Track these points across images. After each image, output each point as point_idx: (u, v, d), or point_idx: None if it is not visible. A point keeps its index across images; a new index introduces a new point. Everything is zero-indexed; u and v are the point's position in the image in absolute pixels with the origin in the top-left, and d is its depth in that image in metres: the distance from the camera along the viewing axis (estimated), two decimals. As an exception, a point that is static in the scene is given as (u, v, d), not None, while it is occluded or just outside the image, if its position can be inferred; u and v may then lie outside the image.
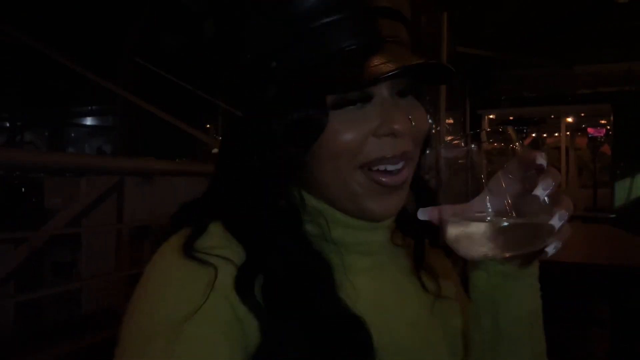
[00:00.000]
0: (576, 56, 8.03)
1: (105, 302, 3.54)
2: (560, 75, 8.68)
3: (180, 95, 7.01)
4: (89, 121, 18.93)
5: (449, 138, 0.55)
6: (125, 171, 3.72)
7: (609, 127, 9.09)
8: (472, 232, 0.51)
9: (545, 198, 0.49)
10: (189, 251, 0.53)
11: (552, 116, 10.17)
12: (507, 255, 0.52)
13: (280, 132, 0.56)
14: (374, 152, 0.56)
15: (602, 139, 9.64)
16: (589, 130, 9.87)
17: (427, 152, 0.66)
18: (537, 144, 10.93)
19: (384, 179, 0.57)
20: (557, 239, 0.51)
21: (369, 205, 0.58)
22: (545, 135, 11.45)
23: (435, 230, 0.55)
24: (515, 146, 0.52)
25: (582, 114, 9.94)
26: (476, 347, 0.64)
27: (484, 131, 0.53)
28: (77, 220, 3.73)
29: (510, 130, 0.53)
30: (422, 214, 0.56)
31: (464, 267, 0.64)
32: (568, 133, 10.17)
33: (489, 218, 0.50)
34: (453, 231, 0.52)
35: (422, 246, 0.70)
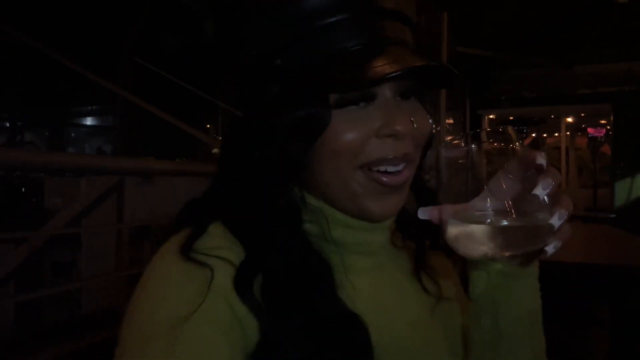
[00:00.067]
0: (576, 56, 8.03)
1: (105, 302, 3.54)
2: (560, 75, 8.68)
3: (180, 95, 7.01)
4: (89, 121, 18.94)
5: (449, 138, 0.55)
6: (125, 171, 3.72)
7: (609, 127, 9.09)
8: (472, 232, 0.51)
9: (545, 197, 0.49)
10: (188, 252, 0.53)
11: (552, 116, 10.17)
12: (507, 254, 0.52)
13: (282, 130, 0.56)
14: (375, 153, 0.56)
15: (602, 139, 9.65)
16: (589, 130, 9.87)
17: (428, 153, 0.66)
18: (537, 144, 10.93)
19: (384, 179, 0.57)
20: (557, 238, 0.51)
21: (369, 205, 0.58)
22: (545, 135, 11.46)
23: (436, 232, 0.55)
24: (515, 146, 0.52)
25: (582, 114, 9.93)
26: (476, 347, 0.64)
27: (484, 131, 0.53)
28: (77, 220, 3.73)
29: (510, 130, 0.53)
30: (423, 213, 0.56)
31: (464, 267, 0.64)
32: (568, 133, 10.17)
33: (489, 218, 0.50)
34: (453, 230, 0.52)
35: (423, 248, 0.70)
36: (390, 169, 0.57)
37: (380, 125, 0.56)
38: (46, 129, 18.24)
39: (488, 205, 0.50)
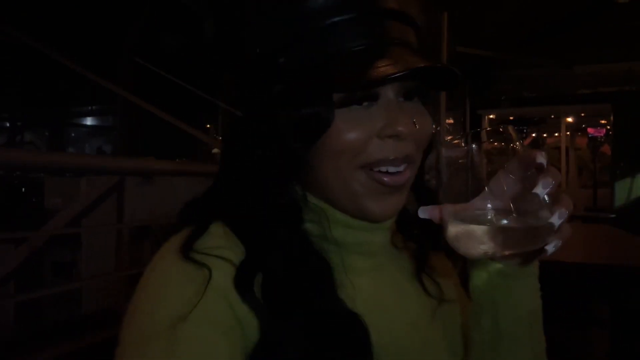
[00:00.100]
0: (576, 56, 8.03)
1: (105, 302, 3.54)
2: (560, 75, 8.67)
3: (180, 95, 7.01)
4: (89, 121, 18.95)
5: (449, 138, 0.55)
6: (125, 171, 3.73)
7: (609, 127, 9.09)
8: (472, 231, 0.51)
9: (546, 197, 0.49)
10: (188, 252, 0.53)
11: (552, 116, 10.17)
12: (507, 253, 0.52)
13: (284, 129, 0.56)
14: (377, 153, 0.56)
15: (602, 139, 9.64)
16: (589, 130, 9.87)
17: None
18: (537, 144, 10.93)
19: (385, 179, 0.57)
20: (558, 237, 0.51)
21: (369, 204, 0.58)
22: (545, 135, 11.46)
23: (436, 233, 0.55)
24: (516, 145, 0.52)
25: (582, 114, 9.93)
26: (476, 347, 0.64)
27: (484, 130, 0.53)
28: (77, 220, 3.74)
29: (510, 129, 0.53)
30: (423, 213, 0.56)
31: (464, 267, 0.64)
32: (568, 133, 10.17)
33: (489, 217, 0.50)
34: (453, 230, 0.52)
35: (424, 249, 0.70)
36: (392, 169, 0.57)
37: (383, 126, 0.56)
38: (46, 129, 18.25)
39: (488, 204, 0.50)
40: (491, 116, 9.46)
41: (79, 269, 4.01)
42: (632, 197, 7.51)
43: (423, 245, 0.70)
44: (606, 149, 9.38)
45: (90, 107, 17.15)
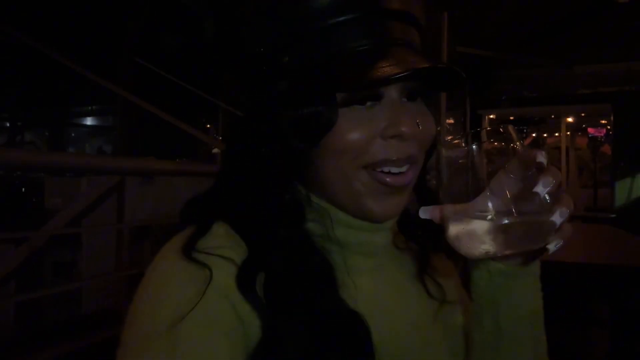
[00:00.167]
0: (576, 56, 8.03)
1: (105, 302, 3.54)
2: (560, 75, 8.67)
3: (180, 95, 7.01)
4: (89, 121, 18.96)
5: (449, 138, 0.55)
6: (125, 171, 3.72)
7: (609, 127, 9.09)
8: (473, 230, 0.51)
9: (546, 196, 0.49)
10: (190, 252, 0.53)
11: (553, 116, 10.16)
12: (508, 253, 0.52)
13: (287, 127, 0.56)
14: (379, 154, 0.56)
15: (603, 139, 9.64)
16: (589, 130, 9.86)
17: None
18: (537, 144, 10.92)
19: (387, 180, 0.57)
20: (559, 237, 0.51)
21: (370, 205, 0.58)
22: (545, 135, 11.45)
23: (437, 233, 0.55)
24: (516, 145, 0.52)
25: (582, 114, 9.93)
26: (477, 347, 0.64)
27: (484, 130, 0.53)
28: (78, 220, 3.74)
29: (510, 129, 0.53)
30: (424, 213, 0.56)
31: (465, 267, 0.64)
32: (568, 133, 10.16)
33: (490, 216, 0.50)
34: (454, 230, 0.52)
35: (426, 251, 0.70)
36: (394, 170, 0.57)
37: (386, 126, 0.56)
38: (46, 129, 18.26)
39: (489, 204, 0.50)
40: (491, 116, 9.46)
41: (79, 269, 4.02)
42: (633, 197, 7.51)
43: (425, 246, 0.70)
44: (606, 148, 9.38)
45: (90, 107, 17.17)
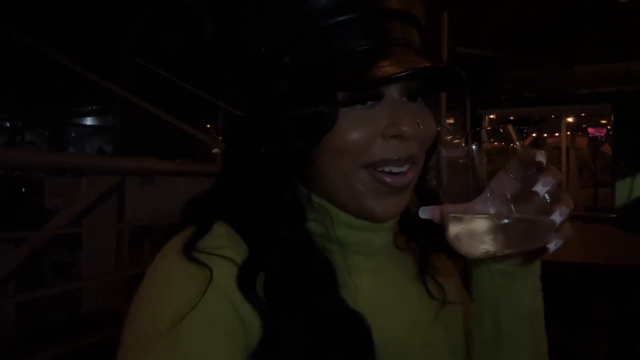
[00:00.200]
0: (576, 56, 8.03)
1: (105, 302, 3.54)
2: (560, 75, 8.67)
3: (180, 95, 7.01)
4: (89, 121, 18.96)
5: (449, 137, 0.55)
6: (125, 171, 3.72)
7: (609, 127, 9.09)
8: (473, 230, 0.51)
9: (546, 195, 0.49)
10: (190, 252, 0.53)
11: (553, 116, 10.16)
12: (508, 252, 0.52)
13: (287, 127, 0.56)
14: (380, 154, 0.56)
15: (603, 139, 9.63)
16: (590, 130, 9.86)
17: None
18: (537, 144, 10.92)
19: (388, 180, 0.57)
20: (559, 236, 0.51)
21: (371, 204, 0.58)
22: (545, 135, 11.45)
23: (438, 233, 0.55)
24: (516, 145, 0.52)
25: (583, 114, 9.93)
26: (477, 347, 0.64)
27: (484, 130, 0.53)
28: (78, 220, 3.74)
29: (510, 129, 0.53)
30: (424, 213, 0.56)
31: (465, 267, 0.64)
32: (568, 133, 10.16)
33: (490, 216, 0.50)
34: (454, 230, 0.52)
35: (426, 251, 0.70)
36: (395, 169, 0.57)
37: (386, 126, 0.56)
38: (46, 129, 18.26)
39: (489, 204, 0.50)
40: (491, 116, 9.46)
41: (79, 269, 4.01)
42: (633, 197, 7.50)
43: (425, 246, 0.70)
44: (606, 148, 9.37)
45: (90, 107, 17.16)
